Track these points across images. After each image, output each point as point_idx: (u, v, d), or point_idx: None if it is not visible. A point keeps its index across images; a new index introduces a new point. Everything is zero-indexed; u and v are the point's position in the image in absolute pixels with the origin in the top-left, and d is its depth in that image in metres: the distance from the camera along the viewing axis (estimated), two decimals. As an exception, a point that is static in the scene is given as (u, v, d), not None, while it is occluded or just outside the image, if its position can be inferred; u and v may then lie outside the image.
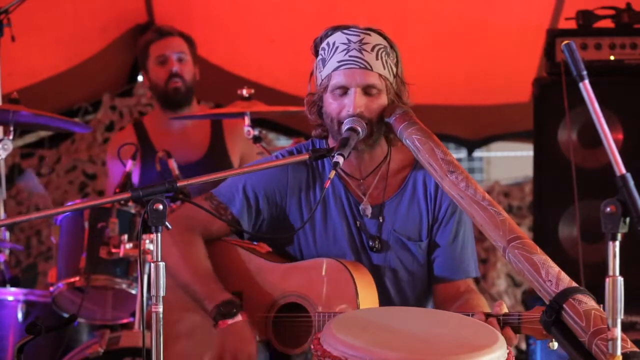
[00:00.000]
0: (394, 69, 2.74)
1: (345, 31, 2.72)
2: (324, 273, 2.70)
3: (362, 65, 2.69)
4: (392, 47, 2.75)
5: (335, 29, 2.75)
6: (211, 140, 4.54)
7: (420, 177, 2.82)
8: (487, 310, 2.63)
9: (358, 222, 2.81)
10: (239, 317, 2.69)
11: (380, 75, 2.70)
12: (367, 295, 2.68)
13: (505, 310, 2.50)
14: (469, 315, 2.50)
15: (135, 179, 4.31)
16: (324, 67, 2.73)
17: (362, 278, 2.69)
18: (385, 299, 2.77)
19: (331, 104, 2.73)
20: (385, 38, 2.75)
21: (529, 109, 4.45)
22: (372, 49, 2.70)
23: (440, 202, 2.81)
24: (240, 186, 2.82)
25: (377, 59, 2.70)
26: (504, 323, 2.48)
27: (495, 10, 5.50)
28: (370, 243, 2.80)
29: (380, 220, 2.81)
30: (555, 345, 2.32)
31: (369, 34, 2.72)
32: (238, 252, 2.82)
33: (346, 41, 2.70)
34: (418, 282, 2.84)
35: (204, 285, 2.75)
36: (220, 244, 2.84)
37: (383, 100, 2.72)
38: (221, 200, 2.83)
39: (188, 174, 3.87)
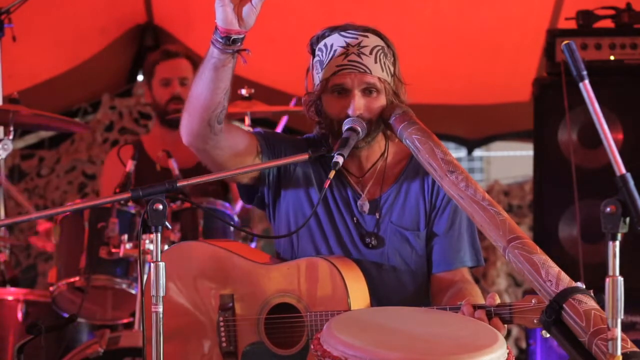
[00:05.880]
0: (392, 69, 2.75)
1: (343, 33, 2.72)
2: (312, 272, 2.69)
3: (361, 70, 2.70)
4: (389, 46, 2.76)
5: (333, 29, 2.75)
6: None
7: (417, 167, 2.81)
8: (481, 300, 2.64)
9: (355, 219, 2.81)
10: None
11: (379, 78, 2.71)
12: (357, 290, 2.68)
13: (498, 301, 2.50)
14: (457, 306, 2.51)
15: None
16: (321, 69, 2.73)
17: (350, 274, 2.69)
18: (384, 295, 2.77)
19: (330, 106, 2.73)
20: (382, 38, 2.75)
21: (529, 108, 4.45)
22: (371, 52, 2.70)
23: (437, 190, 2.81)
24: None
25: (375, 62, 2.71)
26: (495, 314, 2.48)
27: (494, 9, 5.50)
28: (367, 240, 2.80)
29: (377, 216, 2.81)
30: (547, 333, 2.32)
31: (366, 36, 2.72)
32: (227, 255, 2.81)
33: (344, 45, 2.70)
34: (418, 275, 2.83)
35: None
36: (210, 248, 2.83)
37: (382, 101, 2.73)
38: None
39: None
